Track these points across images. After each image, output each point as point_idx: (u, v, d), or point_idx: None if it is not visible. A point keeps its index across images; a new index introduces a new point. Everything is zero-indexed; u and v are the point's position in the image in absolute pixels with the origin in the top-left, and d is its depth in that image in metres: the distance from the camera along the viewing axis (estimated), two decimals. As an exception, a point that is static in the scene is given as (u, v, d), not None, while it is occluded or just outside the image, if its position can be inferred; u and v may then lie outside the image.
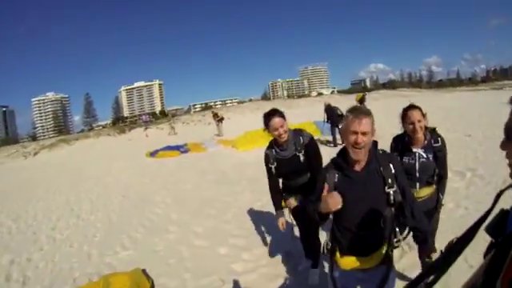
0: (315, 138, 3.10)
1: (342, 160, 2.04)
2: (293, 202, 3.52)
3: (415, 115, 2.84)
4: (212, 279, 3.98)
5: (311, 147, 3.38)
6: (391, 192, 1.95)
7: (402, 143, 3.04)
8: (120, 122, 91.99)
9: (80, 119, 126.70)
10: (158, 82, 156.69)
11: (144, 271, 3.77)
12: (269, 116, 3.22)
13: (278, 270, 4.03)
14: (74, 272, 4.63)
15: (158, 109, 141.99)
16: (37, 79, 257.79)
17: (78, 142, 33.04)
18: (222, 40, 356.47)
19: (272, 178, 3.51)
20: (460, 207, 5.06)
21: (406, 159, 2.97)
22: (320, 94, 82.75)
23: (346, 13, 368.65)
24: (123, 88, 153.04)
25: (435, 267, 1.03)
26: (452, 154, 8.39)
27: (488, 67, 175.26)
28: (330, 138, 11.92)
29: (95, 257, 5.03)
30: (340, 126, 11.45)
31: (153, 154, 15.88)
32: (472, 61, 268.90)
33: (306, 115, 20.75)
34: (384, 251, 2.04)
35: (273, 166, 3.38)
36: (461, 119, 15.30)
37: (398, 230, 2.10)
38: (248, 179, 8.49)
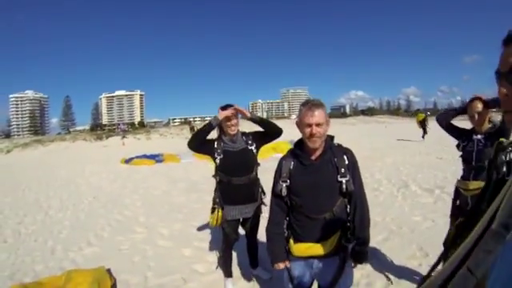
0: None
1: (299, 149, 2.16)
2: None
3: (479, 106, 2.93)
4: (174, 278, 4.01)
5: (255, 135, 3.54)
6: (343, 181, 2.04)
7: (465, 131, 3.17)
8: (98, 129, 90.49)
9: (57, 122, 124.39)
10: (139, 92, 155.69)
11: (108, 270, 3.79)
12: (222, 108, 3.31)
13: (240, 271, 4.09)
14: (35, 265, 4.55)
15: (137, 119, 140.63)
16: (17, 75, 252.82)
17: (52, 144, 32.40)
18: (204, 57, 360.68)
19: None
20: (427, 220, 5.39)
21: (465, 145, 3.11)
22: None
23: (330, 41, 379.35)
24: (104, 95, 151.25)
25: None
26: (422, 174, 8.95)
27: (463, 99, 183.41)
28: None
29: (59, 252, 4.97)
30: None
31: (127, 161, 15.84)
32: (448, 93, 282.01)
33: (283, 136, 20.94)
34: (337, 239, 2.09)
35: (218, 157, 3.33)
36: (435, 144, 15.88)
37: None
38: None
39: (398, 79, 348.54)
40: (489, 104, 2.91)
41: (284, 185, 2.14)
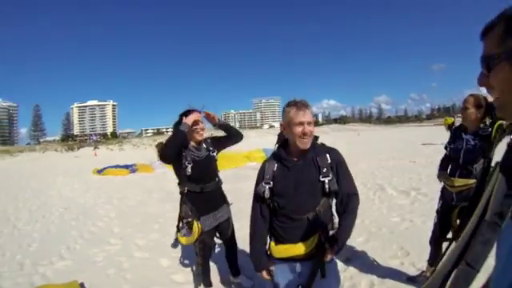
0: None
1: (283, 151, 2.13)
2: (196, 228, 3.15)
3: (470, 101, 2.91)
4: (152, 289, 3.86)
5: (213, 140, 3.51)
6: (326, 180, 2.00)
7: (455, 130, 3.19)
8: (69, 140, 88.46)
9: (27, 132, 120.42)
10: (112, 102, 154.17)
11: (82, 284, 3.62)
12: (189, 111, 3.21)
13: (220, 279, 3.99)
14: (3, 281, 4.27)
15: (109, 130, 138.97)
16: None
17: (22, 155, 31.46)
18: (177, 67, 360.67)
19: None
20: (405, 220, 5.45)
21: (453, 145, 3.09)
22: (272, 127, 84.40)
23: (302, 50, 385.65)
24: (75, 105, 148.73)
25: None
26: (398, 177, 9.05)
27: (432, 106, 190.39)
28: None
29: (28, 266, 4.70)
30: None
31: (100, 171, 15.56)
32: (418, 100, 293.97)
33: (256, 145, 21.10)
34: (317, 239, 2.03)
35: (190, 166, 3.16)
36: (406, 149, 16.34)
37: (335, 220, 2.11)
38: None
39: (370, 88, 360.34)
40: (479, 104, 2.87)
41: (267, 187, 2.10)
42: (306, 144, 2.01)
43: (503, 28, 0.71)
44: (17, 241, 5.88)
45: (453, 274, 0.79)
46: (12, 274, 4.48)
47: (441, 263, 0.84)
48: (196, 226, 3.15)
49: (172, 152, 3.10)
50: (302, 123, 1.97)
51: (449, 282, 0.80)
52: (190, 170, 3.15)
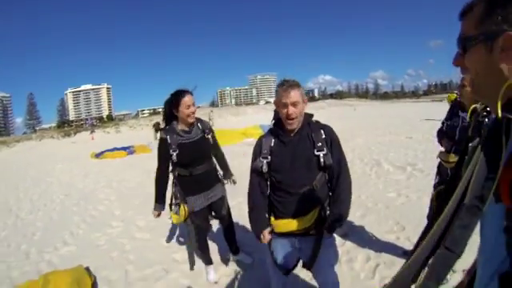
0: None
1: (279, 128, 2.19)
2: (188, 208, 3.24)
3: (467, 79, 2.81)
4: (155, 269, 3.97)
5: (213, 131, 3.44)
6: (321, 155, 2.07)
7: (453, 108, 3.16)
8: (65, 126, 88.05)
9: (22, 121, 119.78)
10: (106, 85, 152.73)
11: (87, 268, 3.71)
12: (180, 93, 3.09)
13: (221, 257, 4.09)
14: (11, 271, 4.35)
15: (105, 113, 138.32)
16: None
17: (18, 145, 31.34)
18: (170, 45, 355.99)
19: (164, 168, 3.23)
20: (401, 196, 5.53)
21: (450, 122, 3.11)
22: (268, 103, 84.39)
23: (296, 26, 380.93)
24: (69, 90, 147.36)
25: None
26: (394, 152, 9.10)
27: (430, 82, 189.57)
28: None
29: (34, 255, 4.80)
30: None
31: (98, 155, 15.62)
32: (415, 76, 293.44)
33: (252, 121, 21.07)
34: (316, 214, 2.11)
35: (174, 153, 3.07)
36: (403, 124, 16.40)
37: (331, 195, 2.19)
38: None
39: (366, 63, 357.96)
40: None
41: (265, 161, 2.16)
42: (291, 125, 2.09)
43: (483, 10, 0.71)
44: (21, 231, 5.97)
45: (431, 259, 0.79)
46: (19, 263, 4.57)
47: (419, 248, 0.83)
48: (182, 209, 3.19)
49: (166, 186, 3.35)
50: (286, 105, 2.03)
51: (427, 267, 0.81)
52: (175, 158, 3.10)
